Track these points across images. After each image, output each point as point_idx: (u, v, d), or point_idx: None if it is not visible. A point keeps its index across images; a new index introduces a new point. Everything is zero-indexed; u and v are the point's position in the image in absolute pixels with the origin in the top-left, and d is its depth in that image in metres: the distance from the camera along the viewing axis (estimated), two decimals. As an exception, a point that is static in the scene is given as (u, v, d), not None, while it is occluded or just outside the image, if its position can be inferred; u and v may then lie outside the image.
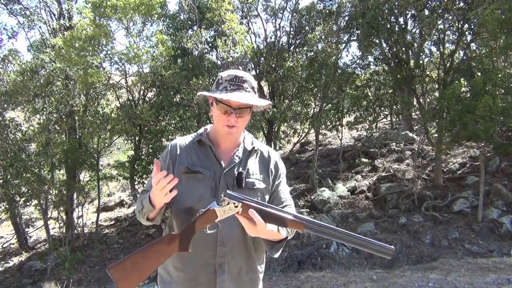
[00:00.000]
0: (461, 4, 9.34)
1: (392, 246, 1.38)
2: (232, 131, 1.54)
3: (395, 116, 13.76)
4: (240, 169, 1.58)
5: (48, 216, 11.16)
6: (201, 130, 1.70)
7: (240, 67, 10.91)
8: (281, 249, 1.55)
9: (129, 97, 11.32)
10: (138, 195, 1.71)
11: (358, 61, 11.98)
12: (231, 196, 1.37)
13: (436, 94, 11.16)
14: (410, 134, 13.19)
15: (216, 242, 1.53)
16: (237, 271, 1.57)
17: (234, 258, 1.56)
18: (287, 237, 1.53)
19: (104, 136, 11.11)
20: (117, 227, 12.97)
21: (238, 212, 1.37)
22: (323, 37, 10.85)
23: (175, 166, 1.60)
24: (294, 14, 12.34)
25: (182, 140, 1.68)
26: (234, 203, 1.36)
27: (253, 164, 1.64)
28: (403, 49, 10.71)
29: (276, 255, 1.56)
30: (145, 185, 1.74)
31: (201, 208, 1.42)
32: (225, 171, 1.57)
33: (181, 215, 1.57)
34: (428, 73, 11.22)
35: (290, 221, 1.39)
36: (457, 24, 9.64)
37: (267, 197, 1.63)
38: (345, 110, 11.07)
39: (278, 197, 1.65)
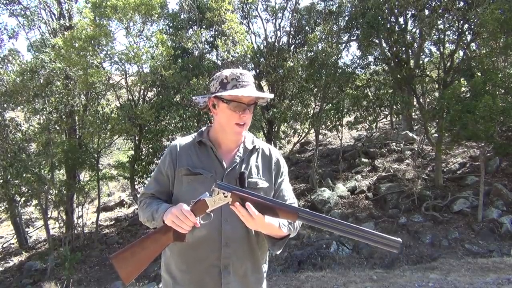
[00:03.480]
0: (461, 4, 9.33)
1: (399, 239, 1.26)
2: (242, 129, 1.55)
3: (395, 116, 13.74)
4: (242, 169, 1.57)
5: (48, 216, 11.17)
6: (201, 130, 1.69)
7: (240, 67, 10.91)
8: (283, 246, 1.55)
9: (129, 97, 11.32)
10: (139, 197, 1.70)
11: (358, 61, 11.99)
12: (220, 186, 1.39)
13: (436, 94, 11.16)
14: (410, 134, 13.18)
15: (221, 243, 1.52)
16: (243, 272, 1.57)
17: (239, 258, 1.55)
18: (289, 234, 1.53)
19: (104, 136, 11.11)
20: (117, 227, 12.97)
21: (228, 203, 1.38)
22: (323, 37, 10.85)
23: (175, 168, 1.59)
24: (294, 14, 12.34)
25: (182, 141, 1.66)
26: (223, 193, 1.38)
27: (255, 163, 1.63)
28: (403, 49, 10.71)
29: (278, 252, 1.57)
30: (145, 186, 1.73)
31: None
32: (227, 171, 1.56)
33: None
34: (428, 73, 11.22)
35: (281, 210, 1.38)
36: (457, 24, 9.64)
37: (270, 196, 1.62)
38: (345, 110, 11.06)
39: (282, 195, 1.65)
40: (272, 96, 1.60)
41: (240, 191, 1.39)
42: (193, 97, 1.69)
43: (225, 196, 1.38)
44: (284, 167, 1.71)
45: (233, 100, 1.51)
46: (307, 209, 1.40)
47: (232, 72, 1.56)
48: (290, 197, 1.67)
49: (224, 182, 1.41)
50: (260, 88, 12.23)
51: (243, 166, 1.59)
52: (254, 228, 1.42)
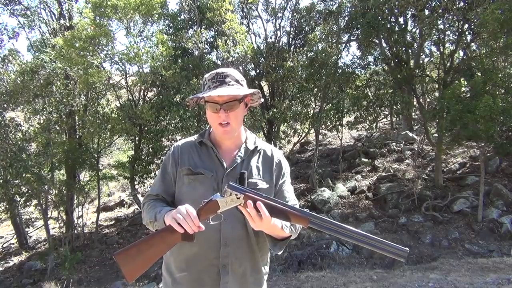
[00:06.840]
0: (461, 4, 9.33)
1: (407, 248, 1.28)
2: (227, 129, 1.54)
3: (395, 116, 13.73)
4: (243, 169, 1.57)
5: (48, 216, 11.16)
6: (203, 131, 1.71)
7: (240, 67, 10.91)
8: (284, 246, 1.56)
9: (129, 97, 11.32)
10: (143, 199, 1.71)
11: (358, 61, 11.98)
12: (233, 187, 1.37)
13: (436, 94, 11.16)
14: (410, 134, 13.18)
15: (220, 243, 1.53)
16: (241, 272, 1.57)
17: (238, 258, 1.55)
18: (290, 235, 1.53)
19: (104, 136, 11.11)
20: (117, 227, 12.97)
21: (240, 204, 1.37)
22: (323, 37, 10.85)
23: (177, 167, 1.61)
24: (295, 14, 12.33)
25: (184, 142, 1.69)
26: (236, 195, 1.36)
27: (255, 164, 1.63)
28: (403, 49, 10.70)
29: (279, 253, 1.58)
30: (150, 188, 1.73)
31: None
32: (227, 171, 1.57)
33: None
34: (428, 73, 11.21)
35: (293, 215, 1.37)
36: (457, 24, 9.63)
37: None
38: (345, 110, 11.06)
39: (282, 197, 1.65)
40: (246, 92, 1.56)
41: (253, 193, 1.38)
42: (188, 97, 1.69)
43: (237, 198, 1.37)
44: (286, 169, 1.71)
45: (207, 101, 1.53)
46: (319, 215, 1.38)
47: (212, 72, 1.58)
48: (291, 199, 1.66)
49: (236, 183, 1.40)
50: (260, 88, 12.23)
51: (244, 166, 1.60)
52: (258, 228, 1.41)
